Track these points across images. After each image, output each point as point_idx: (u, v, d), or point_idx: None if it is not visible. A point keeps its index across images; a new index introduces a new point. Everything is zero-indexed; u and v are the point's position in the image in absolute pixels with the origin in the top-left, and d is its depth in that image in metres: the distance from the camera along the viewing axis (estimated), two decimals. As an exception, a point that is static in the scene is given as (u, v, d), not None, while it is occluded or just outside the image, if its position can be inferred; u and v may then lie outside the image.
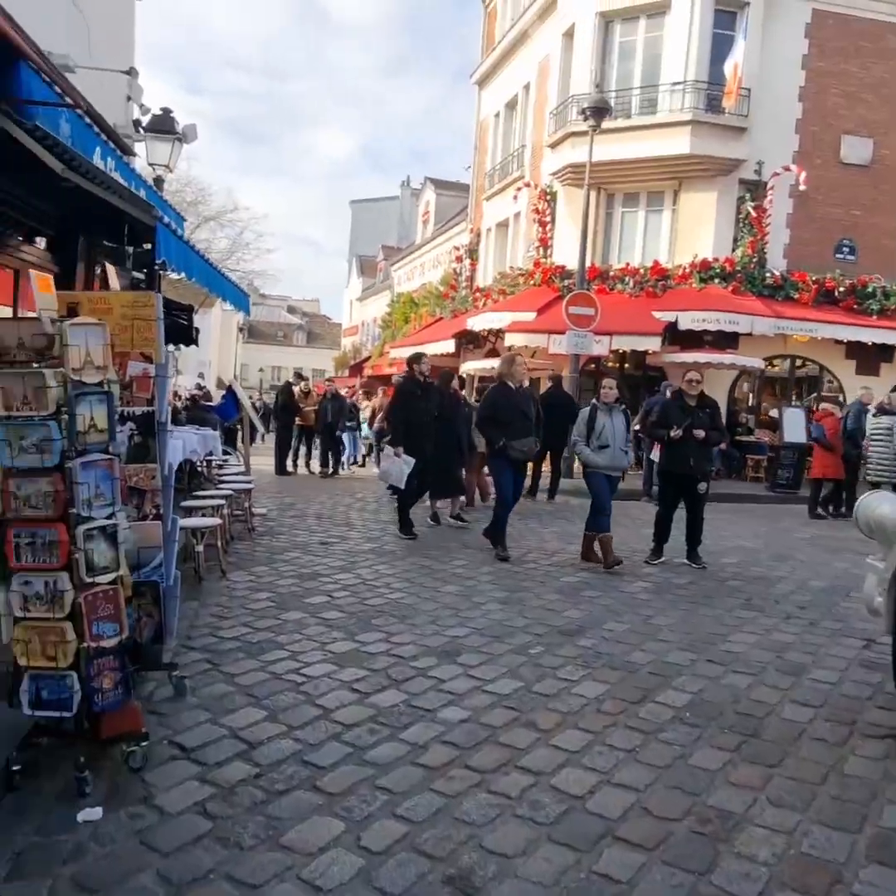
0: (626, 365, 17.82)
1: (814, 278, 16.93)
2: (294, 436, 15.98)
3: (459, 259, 25.21)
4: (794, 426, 15.02)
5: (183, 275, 6.77)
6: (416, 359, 8.86)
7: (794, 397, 18.18)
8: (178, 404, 14.17)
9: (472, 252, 24.69)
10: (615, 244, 18.61)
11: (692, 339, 16.18)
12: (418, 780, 3.11)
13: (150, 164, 10.16)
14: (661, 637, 5.20)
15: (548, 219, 19.23)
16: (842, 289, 16.98)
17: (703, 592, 6.60)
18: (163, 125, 9.99)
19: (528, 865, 2.60)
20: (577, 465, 15.45)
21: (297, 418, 15.76)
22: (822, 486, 12.43)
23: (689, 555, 7.67)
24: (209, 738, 3.39)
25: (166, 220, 5.99)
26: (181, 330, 10.34)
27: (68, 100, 4.68)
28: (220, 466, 10.56)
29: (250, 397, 16.34)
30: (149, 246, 7.31)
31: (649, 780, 3.20)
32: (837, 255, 17.56)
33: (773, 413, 17.44)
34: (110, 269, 9.46)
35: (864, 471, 10.91)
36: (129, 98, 9.71)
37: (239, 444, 13.54)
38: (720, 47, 16.42)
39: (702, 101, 16.53)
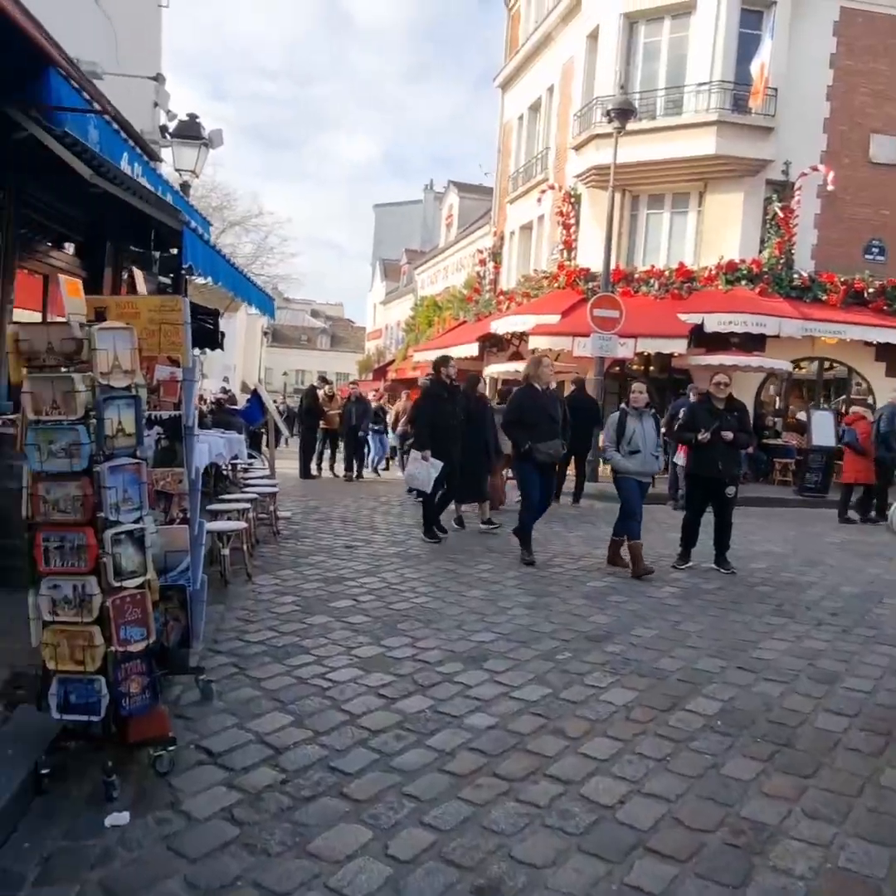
0: (651, 368, 17.69)
1: (842, 279, 16.71)
2: (318, 439, 16.02)
3: (483, 262, 25.18)
4: (823, 429, 14.82)
5: (209, 279, 6.81)
6: (443, 362, 8.83)
7: (822, 400, 17.94)
8: (204, 408, 14.24)
9: (496, 255, 24.65)
10: (640, 246, 18.51)
11: (718, 342, 16.03)
12: (446, 788, 3.08)
13: (177, 170, 10.25)
14: (690, 643, 5.13)
15: (572, 221, 19.16)
16: (871, 290, 16.73)
17: (732, 598, 6.51)
18: (189, 131, 10.07)
19: (558, 876, 2.56)
20: (602, 468, 15.40)
21: (321, 422, 15.81)
22: (853, 491, 12.25)
23: (718, 559, 7.57)
24: (236, 742, 3.38)
25: (193, 224, 6.02)
26: (207, 334, 10.42)
27: (96, 106, 4.71)
28: (246, 470, 10.59)
29: (274, 401, 16.41)
30: (175, 251, 7.37)
31: (681, 790, 3.14)
32: (867, 256, 17.32)
33: (801, 416, 17.23)
34: (137, 274, 9.56)
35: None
36: (155, 104, 9.81)
37: (264, 447, 13.62)
38: (746, 47, 16.27)
39: (728, 102, 16.39)
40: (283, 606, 5.63)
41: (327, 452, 16.43)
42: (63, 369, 2.90)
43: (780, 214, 16.76)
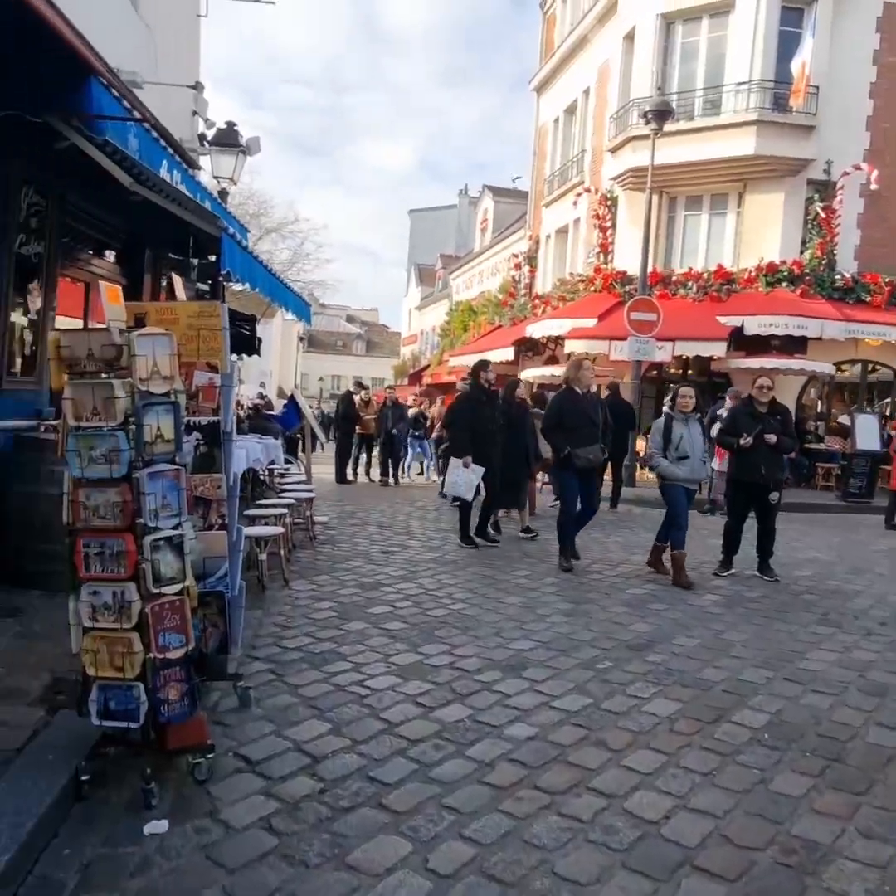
0: (690, 371, 17.48)
1: (886, 280, 16.37)
2: (354, 444, 16.06)
3: (518, 266, 25.11)
4: (867, 433, 14.49)
5: (246, 285, 6.84)
6: (482, 366, 8.76)
7: (865, 403, 17.56)
8: (241, 413, 14.36)
9: (531, 259, 24.56)
10: (677, 248, 18.32)
11: (759, 345, 15.78)
12: (486, 800, 3.02)
13: (215, 178, 10.34)
14: (735, 653, 5.01)
15: (608, 224, 19.03)
16: (917, 290, 16.36)
17: (776, 606, 6.36)
18: (227, 138, 10.17)
19: (602, 895, 2.49)
20: (639, 473, 15.22)
21: (357, 427, 15.84)
22: (900, 497, 11.95)
23: (761, 567, 7.41)
24: (274, 750, 3.36)
25: (231, 230, 6.06)
26: (244, 340, 10.50)
27: (136, 114, 4.75)
28: (282, 475, 10.63)
29: (311, 406, 16.50)
30: (213, 258, 7.42)
31: (728, 806, 3.05)
32: (911, 256, 16.93)
33: (843, 420, 16.88)
34: (176, 280, 9.65)
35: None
36: (194, 112, 9.91)
37: (300, 452, 13.67)
38: (787, 45, 16.05)
39: (768, 101, 16.17)
40: (321, 612, 5.61)
41: (363, 457, 16.46)
42: (103, 375, 2.91)
43: (822, 214, 16.47)
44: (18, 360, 5.97)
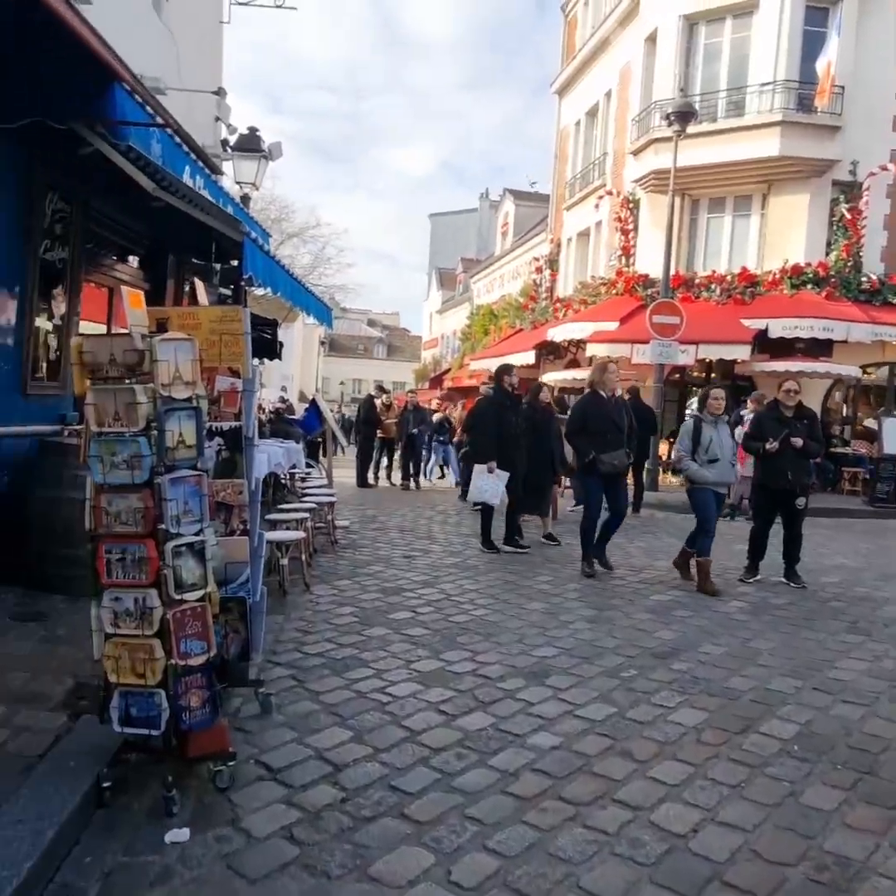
0: (713, 375, 17.31)
1: (914, 281, 16.12)
2: (375, 448, 16.07)
3: (539, 270, 25.04)
4: (895, 437, 14.27)
5: (268, 290, 6.85)
6: (505, 370, 8.70)
7: (893, 407, 17.29)
8: (262, 417, 14.41)
9: (553, 262, 24.48)
10: (700, 251, 18.18)
11: (783, 348, 15.61)
12: (510, 811, 2.97)
13: (237, 183, 10.39)
14: (762, 662, 4.92)
15: (630, 227, 18.92)
16: (945, 292, 16.10)
17: (803, 614, 6.25)
18: (249, 143, 10.20)
19: (629, 910, 2.44)
20: (662, 477, 15.10)
21: (378, 431, 15.85)
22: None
23: (787, 573, 7.30)
24: (295, 758, 3.33)
25: (253, 235, 6.06)
26: (266, 344, 10.53)
27: (159, 119, 4.76)
28: (304, 479, 10.65)
29: (332, 410, 16.52)
30: (235, 262, 7.44)
31: (757, 820, 2.98)
32: (940, 257, 16.68)
33: (870, 423, 16.64)
34: (199, 285, 9.70)
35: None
36: (217, 118, 9.96)
37: (321, 456, 13.69)
38: (811, 45, 15.88)
39: (792, 101, 16.01)
40: (342, 617, 5.59)
41: (384, 461, 16.46)
42: (125, 381, 2.90)
43: (848, 215, 16.26)
44: (43, 365, 6.01)
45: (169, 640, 2.89)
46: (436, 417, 17.53)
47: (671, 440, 16.93)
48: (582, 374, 17.63)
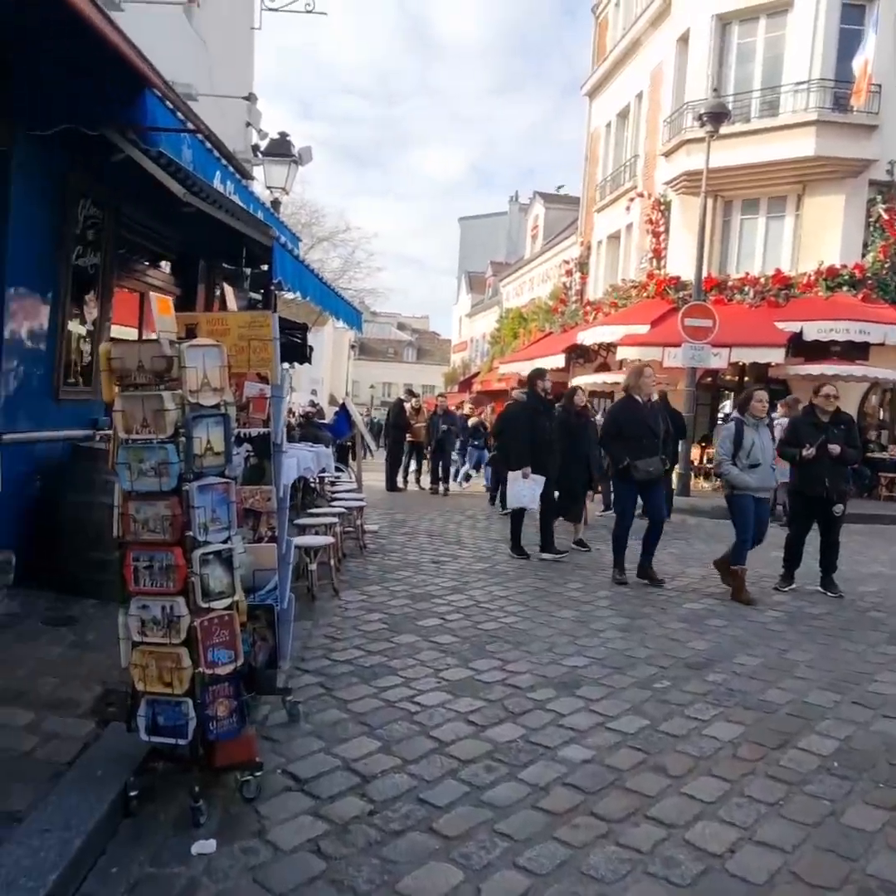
0: (747, 378, 17.05)
1: (953, 283, 15.76)
2: (404, 452, 16.05)
3: (569, 273, 24.91)
4: (934, 442, 13.97)
5: (298, 294, 6.85)
6: (539, 375, 8.60)
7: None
8: (292, 421, 14.46)
9: (583, 265, 24.33)
10: (733, 253, 17.95)
11: (818, 351, 15.34)
12: (540, 827, 2.91)
13: (268, 188, 10.43)
14: (799, 674, 4.80)
15: (661, 229, 18.75)
16: None
17: (841, 624, 6.10)
18: (279, 148, 10.24)
19: (664, 934, 2.36)
20: (693, 482, 14.91)
21: (407, 434, 15.83)
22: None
23: (824, 582, 7.13)
24: (322, 768, 3.29)
25: (283, 240, 6.06)
26: (295, 348, 10.56)
27: (190, 125, 4.77)
28: (333, 483, 10.65)
29: (362, 414, 16.54)
30: (265, 267, 7.45)
31: (797, 840, 2.88)
32: (980, 258, 16.30)
33: (909, 427, 16.32)
34: (228, 290, 9.75)
35: None
36: (248, 123, 10.01)
37: (351, 460, 13.71)
38: (847, 43, 15.61)
39: (828, 100, 15.75)
40: (370, 624, 5.55)
41: (413, 465, 16.44)
42: (153, 387, 2.88)
43: (885, 216, 15.95)
44: (76, 370, 6.05)
45: (196, 648, 2.86)
46: (471, 422, 17.49)
47: (703, 444, 16.74)
48: (612, 377, 17.49)
